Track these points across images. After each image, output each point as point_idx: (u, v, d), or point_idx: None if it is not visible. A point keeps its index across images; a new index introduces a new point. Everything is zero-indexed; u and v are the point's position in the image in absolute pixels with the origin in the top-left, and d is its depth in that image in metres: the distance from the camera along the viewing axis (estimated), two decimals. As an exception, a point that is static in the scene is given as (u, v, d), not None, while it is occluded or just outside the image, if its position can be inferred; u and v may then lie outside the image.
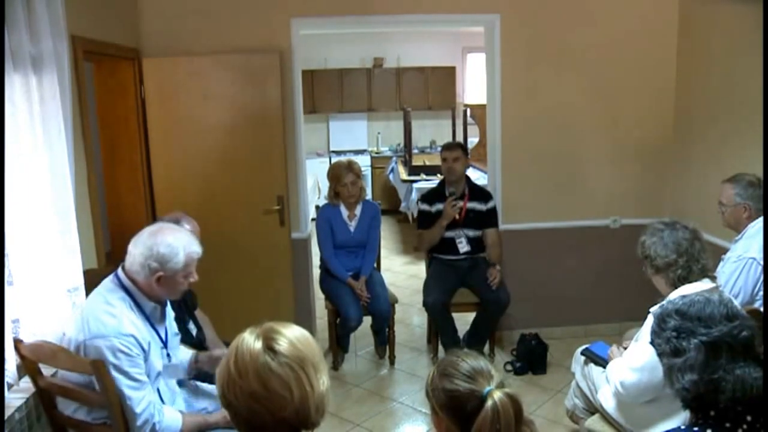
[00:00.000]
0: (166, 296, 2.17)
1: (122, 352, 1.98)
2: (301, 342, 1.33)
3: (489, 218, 3.96)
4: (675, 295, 2.07)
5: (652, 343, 1.53)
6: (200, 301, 3.01)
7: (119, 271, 2.11)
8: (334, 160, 8.68)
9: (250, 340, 1.31)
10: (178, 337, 2.38)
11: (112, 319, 2.00)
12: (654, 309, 2.27)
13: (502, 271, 3.88)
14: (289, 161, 3.95)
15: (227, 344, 2.77)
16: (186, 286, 2.15)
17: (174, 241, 2.06)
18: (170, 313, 2.33)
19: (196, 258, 2.13)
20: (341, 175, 3.87)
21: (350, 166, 3.91)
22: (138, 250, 2.05)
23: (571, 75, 4.07)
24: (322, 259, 4.02)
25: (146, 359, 2.06)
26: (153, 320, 2.15)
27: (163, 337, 2.21)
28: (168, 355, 2.23)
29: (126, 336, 2.00)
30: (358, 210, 3.99)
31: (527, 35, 4.00)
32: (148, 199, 3.76)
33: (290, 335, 1.33)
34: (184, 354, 2.45)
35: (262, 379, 1.27)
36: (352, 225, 3.98)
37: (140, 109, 3.69)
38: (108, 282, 2.12)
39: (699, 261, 2.25)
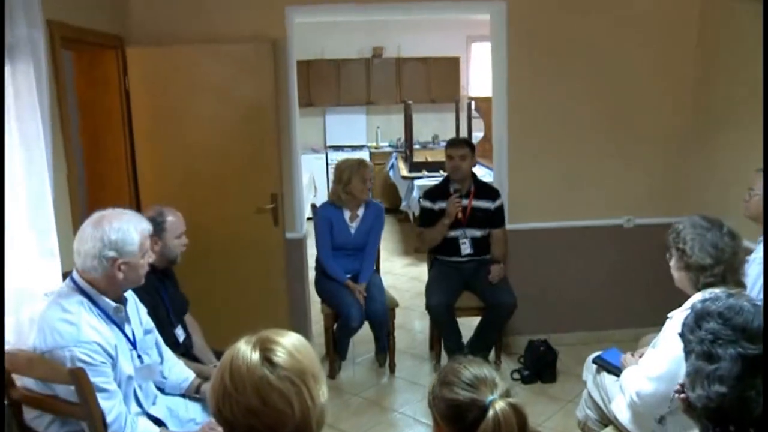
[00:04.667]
0: (131, 285, 2.14)
1: (84, 362, 1.93)
2: (300, 352, 1.32)
3: (496, 218, 3.95)
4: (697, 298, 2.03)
5: (681, 335, 1.47)
6: (191, 305, 2.99)
7: (74, 273, 2.07)
8: (331, 156, 8.87)
9: (246, 351, 1.30)
10: (152, 335, 2.34)
11: (70, 327, 1.96)
12: (674, 313, 2.28)
13: (506, 270, 3.85)
14: (283, 157, 3.93)
15: (216, 352, 2.82)
16: (147, 267, 2.13)
17: (123, 224, 2.04)
18: (140, 309, 2.29)
19: (148, 234, 2.12)
20: (365, 172, 3.85)
21: (363, 163, 3.89)
22: (87, 245, 2.01)
23: (582, 65, 4.04)
24: (317, 261, 4.00)
25: (114, 365, 2.02)
26: (118, 321, 2.11)
27: (132, 337, 2.17)
28: (139, 356, 2.19)
29: (86, 344, 1.95)
30: (360, 211, 3.98)
31: (536, 23, 3.98)
32: (133, 197, 3.74)
33: (288, 345, 1.32)
34: (180, 371, 2.42)
35: (261, 394, 1.25)
36: (353, 227, 3.97)
37: (124, 102, 3.66)
38: (63, 286, 2.08)
39: (736, 273, 2.21)
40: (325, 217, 3.94)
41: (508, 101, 4.06)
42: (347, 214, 3.95)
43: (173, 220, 2.71)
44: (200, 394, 2.40)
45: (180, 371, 2.45)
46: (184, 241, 2.75)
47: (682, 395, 1.45)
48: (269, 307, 3.92)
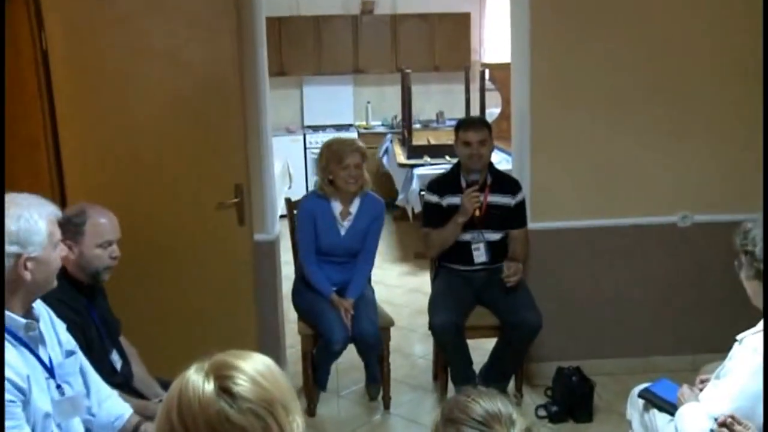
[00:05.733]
0: (41, 289, 2.10)
1: None
2: (266, 377, 1.33)
3: (517, 216, 3.96)
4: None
5: None
6: (124, 326, 2.97)
7: None
8: (311, 138, 8.88)
9: (197, 381, 1.30)
10: (75, 358, 2.28)
11: None
12: (745, 336, 2.27)
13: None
14: (251, 140, 3.90)
15: (162, 383, 2.78)
16: (60, 262, 2.11)
17: (23, 211, 1.99)
18: (57, 324, 2.24)
19: (56, 220, 2.09)
20: (342, 154, 3.84)
21: (354, 145, 3.93)
22: None
23: (623, 22, 4.02)
24: (298, 266, 4.01)
25: (27, 402, 1.96)
26: (29, 342, 2.06)
27: (48, 362, 2.12)
28: (59, 387, 2.14)
29: None
30: (354, 206, 3.96)
31: (567, -30, 3.98)
32: (56, 188, 3.69)
33: (250, 370, 1.32)
34: (112, 405, 2.37)
35: None
36: (344, 226, 3.96)
37: (41, 67, 3.60)
38: None
39: None
40: (308, 210, 3.94)
41: (531, 69, 4.05)
42: (337, 209, 3.93)
43: (99, 223, 2.67)
44: None
45: (112, 405, 2.40)
46: (114, 253, 2.71)
47: None
48: (232, 326, 3.89)
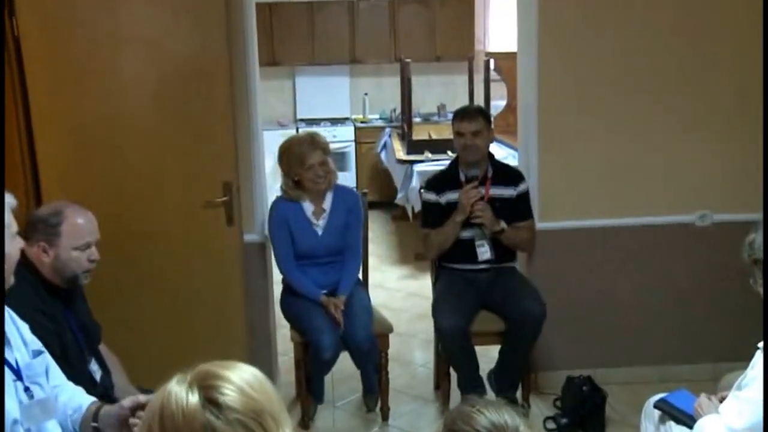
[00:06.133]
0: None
1: None
2: (254, 387, 1.33)
3: (520, 207, 3.97)
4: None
5: None
6: (104, 332, 2.97)
7: None
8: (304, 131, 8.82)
9: (180, 393, 1.30)
10: (43, 358, 2.27)
11: None
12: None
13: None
14: (240, 135, 3.90)
15: (145, 393, 2.71)
16: (18, 255, 2.10)
17: None
18: (19, 325, 2.22)
19: (15, 206, 2.09)
20: (303, 156, 3.84)
21: (314, 141, 3.90)
22: None
23: (639, 6, 4.02)
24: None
25: None
26: None
27: (15, 364, 2.11)
28: (27, 389, 2.12)
29: None
30: (327, 203, 3.97)
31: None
32: (30, 185, 3.68)
33: (237, 380, 1.33)
34: (69, 398, 2.34)
35: None
36: (320, 225, 3.97)
37: (13, 55, 3.58)
38: None
39: None
40: (280, 216, 3.95)
41: (539, 58, 4.05)
42: (309, 209, 3.94)
43: (76, 223, 2.65)
44: (99, 422, 2.29)
45: (70, 398, 2.36)
46: (92, 256, 2.70)
47: None
48: (221, 333, 3.89)
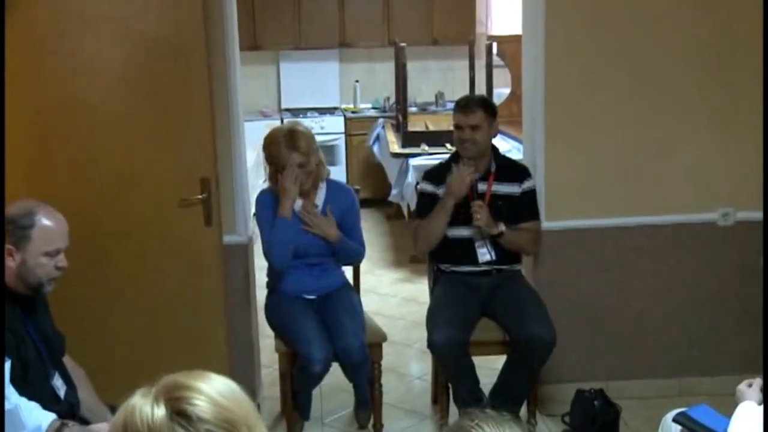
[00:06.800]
0: None
1: None
2: (227, 396, 1.34)
3: (525, 205, 3.98)
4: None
5: None
6: (70, 343, 2.95)
7: None
8: (288, 122, 8.79)
9: (144, 406, 1.30)
10: (6, 367, 2.26)
11: None
12: None
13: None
14: (219, 125, 3.90)
15: (114, 410, 2.75)
16: None
17: None
18: None
19: None
20: (281, 160, 3.82)
21: (293, 140, 3.83)
22: None
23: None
24: (269, 274, 4.02)
25: None
26: None
27: None
28: None
29: None
30: (319, 198, 3.98)
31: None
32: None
33: (208, 389, 1.34)
34: (30, 417, 2.34)
35: None
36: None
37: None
38: None
39: None
40: (267, 204, 3.94)
41: (545, 42, 4.04)
42: (297, 204, 3.91)
43: (48, 227, 2.64)
44: None
45: (27, 417, 2.38)
46: (61, 262, 2.68)
47: None
48: (198, 345, 3.88)
